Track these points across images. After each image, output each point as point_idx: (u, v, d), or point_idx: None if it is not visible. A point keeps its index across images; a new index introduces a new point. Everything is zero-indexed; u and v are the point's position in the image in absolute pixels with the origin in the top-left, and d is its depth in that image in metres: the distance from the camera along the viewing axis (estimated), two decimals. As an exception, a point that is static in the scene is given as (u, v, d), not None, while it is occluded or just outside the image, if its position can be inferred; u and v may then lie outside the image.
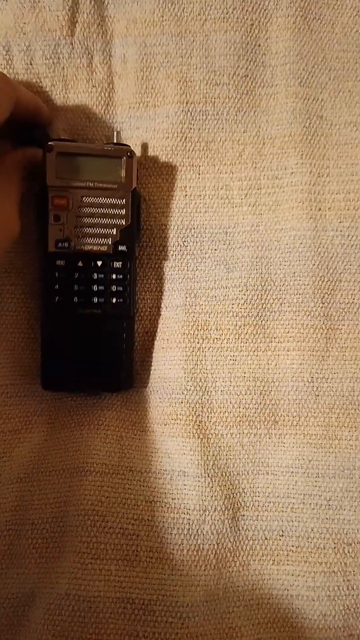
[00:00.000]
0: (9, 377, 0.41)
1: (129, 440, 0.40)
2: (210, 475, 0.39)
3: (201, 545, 0.38)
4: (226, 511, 0.38)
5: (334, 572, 0.37)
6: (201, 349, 0.41)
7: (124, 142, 0.41)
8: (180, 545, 0.38)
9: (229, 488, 0.39)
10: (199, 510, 0.38)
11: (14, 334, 0.41)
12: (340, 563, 0.38)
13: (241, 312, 0.41)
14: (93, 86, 0.42)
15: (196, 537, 0.38)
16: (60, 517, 0.39)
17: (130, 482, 0.39)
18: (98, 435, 0.40)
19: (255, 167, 0.42)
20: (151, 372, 0.42)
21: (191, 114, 0.42)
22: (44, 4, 0.41)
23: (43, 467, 0.40)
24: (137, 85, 0.43)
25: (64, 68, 0.42)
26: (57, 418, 0.42)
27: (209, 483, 0.39)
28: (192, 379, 0.41)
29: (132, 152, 0.39)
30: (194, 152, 0.42)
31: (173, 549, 0.38)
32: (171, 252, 0.42)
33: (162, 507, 0.38)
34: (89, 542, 0.37)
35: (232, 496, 0.39)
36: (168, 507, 0.38)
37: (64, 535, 0.38)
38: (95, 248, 0.39)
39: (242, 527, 0.39)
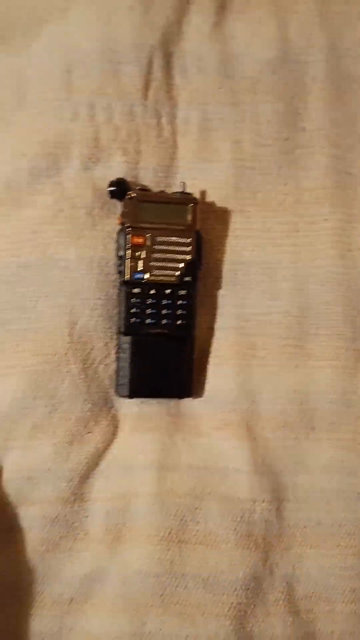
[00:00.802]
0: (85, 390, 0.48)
1: (188, 440, 0.48)
2: (258, 471, 0.46)
3: (251, 531, 0.45)
4: (272, 502, 0.46)
5: (363, 554, 0.45)
6: (249, 365, 0.49)
7: (189, 192, 0.49)
8: (234, 530, 0.45)
9: (274, 483, 0.46)
10: (250, 501, 0.46)
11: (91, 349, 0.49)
12: (368, 547, 0.45)
13: (283, 334, 0.49)
14: (161, 142, 0.51)
15: (247, 524, 0.45)
16: (127, 507, 0.46)
17: (190, 477, 0.46)
18: (163, 437, 0.47)
19: (295, 214, 0.51)
20: (206, 384, 0.49)
21: (241, 170, 0.51)
22: (124, 72, 0.50)
23: (114, 463, 0.47)
24: (197, 144, 0.51)
25: (137, 125, 0.50)
26: (127, 423, 0.49)
27: (258, 478, 0.46)
28: (242, 391, 0.48)
29: (196, 200, 0.47)
30: (243, 200, 0.51)
31: (228, 533, 0.45)
32: (224, 283, 0.50)
33: (219, 498, 0.46)
34: (157, 527, 0.44)
35: (276, 490, 0.46)
36: (224, 498, 0.46)
37: (132, 521, 0.45)
38: (165, 279, 0.47)
39: (285, 517, 0.46)
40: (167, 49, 0.51)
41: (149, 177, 0.51)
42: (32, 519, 0.45)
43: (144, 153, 0.50)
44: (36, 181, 0.49)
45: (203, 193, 0.51)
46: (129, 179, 0.50)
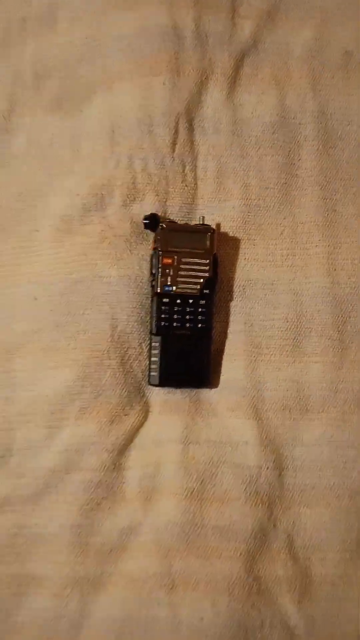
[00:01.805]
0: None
1: (207, 420, 0.59)
2: (263, 444, 0.57)
3: (258, 491, 0.56)
4: (274, 469, 0.57)
5: (349, 511, 0.55)
6: (255, 360, 0.60)
7: (208, 224, 0.62)
8: (244, 490, 0.56)
9: (276, 454, 0.57)
10: (257, 467, 0.57)
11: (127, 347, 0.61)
12: (353, 506, 0.55)
13: (282, 336, 0.60)
14: (185, 186, 0.64)
15: (255, 485, 0.56)
16: (157, 473, 0.57)
17: (208, 449, 0.57)
18: (186, 417, 0.59)
19: (292, 241, 0.62)
20: (221, 376, 0.61)
21: (249, 207, 0.62)
22: (156, 133, 0.63)
23: (146, 438, 0.59)
24: (214, 187, 0.64)
25: (166, 172, 0.63)
26: (156, 407, 0.61)
27: (263, 449, 0.57)
28: (250, 380, 0.59)
29: (213, 230, 0.60)
30: (250, 231, 0.62)
31: (239, 492, 0.56)
32: (235, 296, 0.62)
33: (231, 465, 0.57)
34: (182, 487, 0.55)
35: (278, 460, 0.57)
36: (236, 465, 0.57)
37: (161, 484, 0.56)
38: (188, 291, 0.59)
39: (285, 482, 0.57)
40: (190, 114, 0.64)
41: (175, 213, 0.64)
42: (80, 482, 0.56)
43: (172, 194, 0.62)
44: (87, 215, 0.61)
45: (219, 225, 0.64)
46: (159, 214, 0.63)
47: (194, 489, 0.55)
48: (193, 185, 0.61)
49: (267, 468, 0.56)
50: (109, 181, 0.62)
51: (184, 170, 0.63)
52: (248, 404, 0.58)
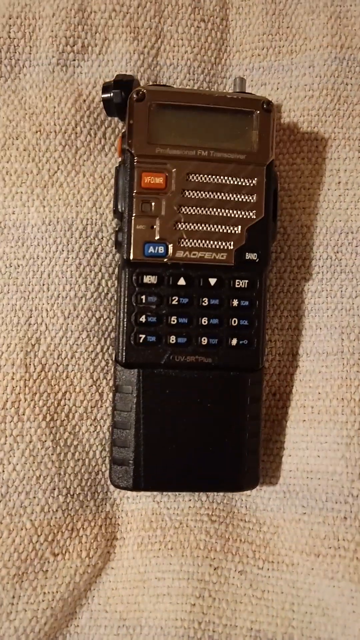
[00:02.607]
0: None
1: (249, 579, 0.24)
2: None
3: None
4: None
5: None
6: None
7: (252, 93, 0.26)
8: None
9: None
10: None
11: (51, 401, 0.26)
12: None
13: None
14: (202, 20, 0.28)
15: None
16: None
17: None
18: (190, 568, 0.24)
19: None
20: (284, 459, 0.26)
21: (347, 64, 0.28)
22: None
23: (105, 618, 0.24)
24: (266, 22, 0.29)
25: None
26: (131, 535, 0.26)
27: None
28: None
29: (270, 103, 0.24)
30: (351, 118, 0.28)
31: None
32: (316, 269, 0.27)
33: None
34: None
35: None
36: None
37: None
38: (207, 256, 0.24)
39: None
40: None
41: (178, 80, 0.28)
42: None
43: (169, 37, 0.28)
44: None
45: (276, 108, 0.28)
46: (142, 82, 0.27)
47: None
48: (219, 19, 0.29)
49: None
50: (24, 8, 0.27)
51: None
52: (358, 541, 0.22)
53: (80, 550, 0.25)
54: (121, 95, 0.25)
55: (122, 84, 0.25)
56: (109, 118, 0.27)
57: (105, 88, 0.26)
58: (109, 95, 0.25)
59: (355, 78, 0.28)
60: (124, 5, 0.28)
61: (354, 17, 0.28)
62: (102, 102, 0.26)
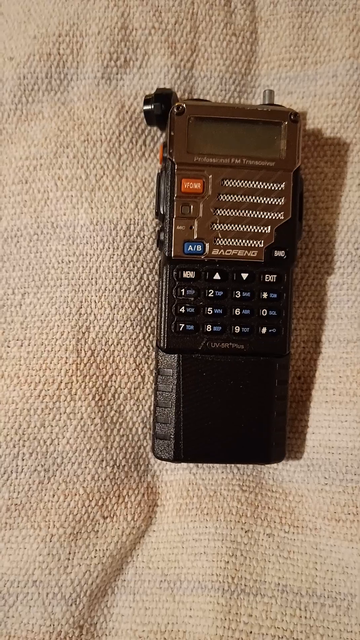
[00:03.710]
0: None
1: (276, 541, 0.27)
2: None
3: None
4: None
5: None
6: (388, 406, 0.27)
7: (280, 104, 0.28)
8: None
9: None
10: None
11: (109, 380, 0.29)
12: None
13: None
14: (233, 34, 0.31)
15: None
16: None
17: (284, 608, 0.25)
18: (224, 531, 0.27)
19: None
20: (307, 436, 0.29)
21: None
22: None
23: (149, 572, 0.27)
24: (292, 35, 0.31)
25: (193, 3, 0.31)
26: (171, 502, 0.29)
27: None
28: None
29: (296, 115, 0.27)
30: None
31: None
32: (338, 264, 0.29)
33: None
34: None
35: None
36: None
37: None
38: (240, 253, 0.27)
39: None
40: None
41: (211, 91, 0.31)
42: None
43: (203, 51, 0.30)
44: (28, 100, 0.30)
45: (302, 116, 0.30)
46: (179, 93, 0.30)
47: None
48: (249, 32, 0.32)
49: None
50: (73, 26, 0.29)
51: (229, 2, 0.30)
52: None
53: (126, 515, 0.28)
54: (161, 108, 0.28)
55: (162, 97, 0.28)
56: (149, 127, 0.30)
57: (147, 101, 0.28)
58: (150, 107, 0.28)
59: (378, 86, 0.30)
60: (162, 22, 0.31)
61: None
62: (143, 113, 0.29)
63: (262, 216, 0.27)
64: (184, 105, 0.27)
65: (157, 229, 0.29)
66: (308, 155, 0.30)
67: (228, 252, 0.27)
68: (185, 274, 0.27)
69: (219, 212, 0.27)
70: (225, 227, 0.27)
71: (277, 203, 0.27)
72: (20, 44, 0.31)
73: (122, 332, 0.29)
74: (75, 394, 0.28)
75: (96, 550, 0.27)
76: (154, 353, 0.29)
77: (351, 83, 0.30)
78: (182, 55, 0.31)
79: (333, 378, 0.29)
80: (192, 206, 0.27)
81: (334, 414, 0.28)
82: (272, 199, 0.27)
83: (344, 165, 0.30)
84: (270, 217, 0.27)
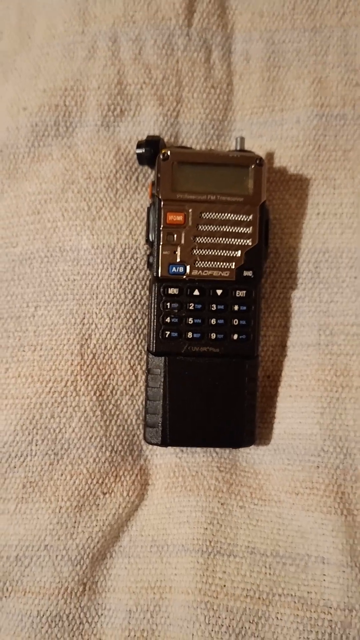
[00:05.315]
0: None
1: (247, 512, 0.32)
2: (358, 564, 0.30)
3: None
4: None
5: None
6: (340, 399, 0.33)
7: (249, 150, 0.34)
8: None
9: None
10: (344, 610, 0.30)
11: (110, 377, 0.34)
12: None
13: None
14: (211, 86, 0.36)
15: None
16: (159, 606, 0.31)
17: (251, 568, 0.31)
18: (204, 504, 0.32)
19: None
20: (274, 425, 0.34)
21: (326, 119, 0.36)
22: None
23: (141, 539, 0.33)
24: (262, 86, 0.37)
25: (178, 61, 0.36)
26: (160, 480, 0.34)
27: (356, 574, 0.30)
28: (331, 438, 0.32)
29: (261, 160, 0.32)
30: (328, 162, 0.36)
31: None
32: (300, 280, 0.35)
33: (293, 603, 0.30)
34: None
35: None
36: (302, 604, 0.30)
37: (164, 628, 0.30)
38: (215, 274, 0.32)
39: None
40: None
41: (193, 135, 0.37)
42: (21, 615, 0.31)
43: (187, 102, 0.36)
44: (39, 144, 0.36)
45: (270, 155, 0.36)
46: (164, 137, 0.36)
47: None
48: (225, 84, 0.36)
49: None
50: (77, 82, 0.35)
51: (209, 58, 0.36)
52: (327, 483, 0.32)
53: (122, 491, 0.34)
54: (150, 151, 0.34)
55: (151, 143, 0.34)
56: (141, 167, 0.36)
57: (139, 145, 0.34)
58: (141, 150, 0.34)
59: (332, 130, 0.36)
60: (152, 78, 0.36)
61: (331, 81, 0.36)
62: (136, 156, 0.35)
63: (234, 242, 0.32)
64: (169, 152, 0.32)
65: (147, 253, 0.34)
66: (275, 189, 0.36)
67: (205, 272, 0.32)
68: (170, 291, 0.32)
69: (197, 239, 0.32)
70: (203, 252, 0.32)
71: (245, 231, 0.32)
72: (31, 96, 0.36)
73: (118, 339, 0.35)
74: (80, 391, 0.34)
75: (97, 520, 0.33)
76: (145, 356, 0.35)
77: (312, 127, 0.36)
78: (168, 106, 0.36)
79: (296, 377, 0.34)
80: (175, 235, 0.32)
81: (296, 406, 0.34)
82: (241, 228, 0.32)
83: (305, 198, 0.36)
84: (240, 243, 0.32)
